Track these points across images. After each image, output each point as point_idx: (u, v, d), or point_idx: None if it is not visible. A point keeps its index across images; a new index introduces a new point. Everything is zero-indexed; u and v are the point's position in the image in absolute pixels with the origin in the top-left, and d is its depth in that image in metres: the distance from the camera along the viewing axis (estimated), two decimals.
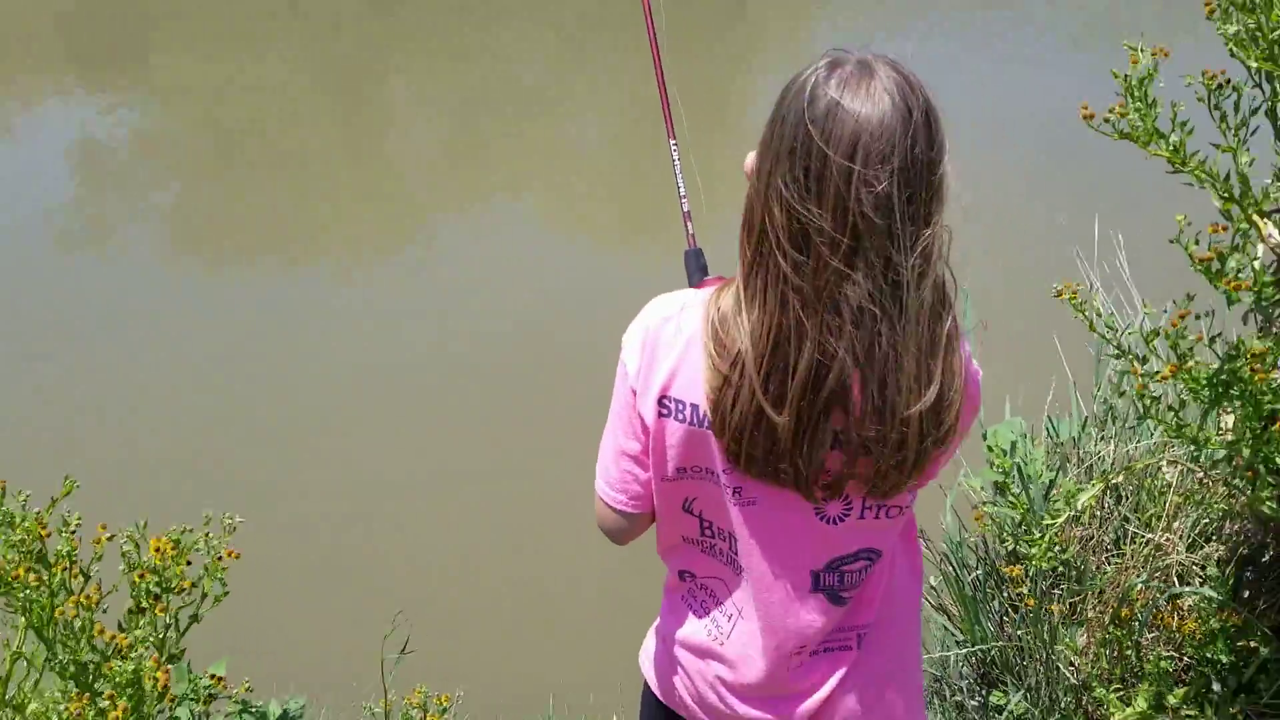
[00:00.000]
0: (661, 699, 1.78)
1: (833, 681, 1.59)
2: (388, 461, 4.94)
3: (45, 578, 1.57)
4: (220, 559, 1.69)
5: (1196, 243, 1.60)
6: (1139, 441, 2.97)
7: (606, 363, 1.59)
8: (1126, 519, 2.89)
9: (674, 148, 2.09)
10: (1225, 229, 1.59)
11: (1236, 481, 2.10)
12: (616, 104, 9.21)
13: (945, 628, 3.10)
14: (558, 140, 8.65)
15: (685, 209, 2.03)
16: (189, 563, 1.69)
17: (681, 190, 2.04)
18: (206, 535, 1.73)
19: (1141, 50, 1.73)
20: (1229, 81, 1.70)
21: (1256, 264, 1.77)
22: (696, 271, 1.95)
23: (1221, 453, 1.98)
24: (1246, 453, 1.81)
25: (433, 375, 5.52)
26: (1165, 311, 1.97)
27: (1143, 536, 2.78)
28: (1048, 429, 3.19)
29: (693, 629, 1.66)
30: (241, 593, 2.03)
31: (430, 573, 4.34)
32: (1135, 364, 1.81)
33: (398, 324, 5.99)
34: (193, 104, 9.28)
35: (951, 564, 2.98)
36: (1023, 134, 7.32)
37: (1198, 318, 1.68)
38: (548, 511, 4.38)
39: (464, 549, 4.46)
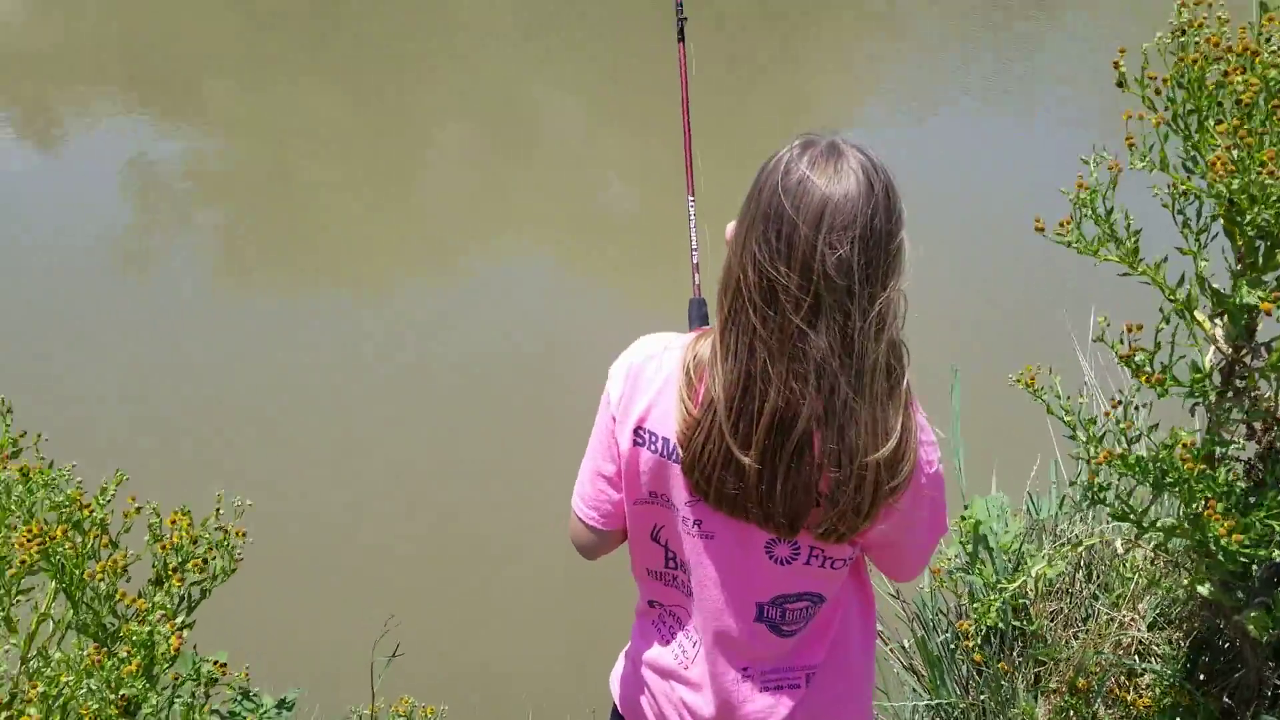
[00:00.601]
0: None
1: (781, 712, 1.71)
2: (396, 468, 5.15)
3: (79, 543, 1.74)
4: (227, 533, 1.86)
5: (1121, 341, 1.75)
6: (1112, 522, 3.10)
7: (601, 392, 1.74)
8: (1096, 596, 3.01)
9: (691, 204, 2.26)
10: (1141, 328, 1.74)
11: (1186, 564, 2.23)
12: (641, 154, 9.51)
13: (914, 689, 3.21)
14: (579, 185, 8.94)
15: (695, 261, 2.20)
16: (195, 541, 1.86)
17: (694, 244, 2.22)
18: (218, 511, 1.90)
19: (1095, 163, 1.89)
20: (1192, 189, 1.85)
21: (1207, 361, 1.91)
22: (697, 319, 2.13)
23: (1174, 537, 2.11)
24: (1185, 540, 1.94)
25: (442, 398, 5.73)
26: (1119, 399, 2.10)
27: (1107, 613, 2.90)
28: (1028, 506, 3.31)
29: (660, 652, 1.78)
30: (241, 587, 2.17)
31: (425, 581, 4.49)
32: (1084, 450, 1.95)
33: (414, 345, 6.26)
34: (242, 132, 9.69)
35: (921, 624, 3.10)
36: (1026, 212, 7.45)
37: (1137, 408, 1.83)
38: (537, 531, 4.53)
39: (458, 560, 4.62)
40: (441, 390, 5.78)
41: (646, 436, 1.62)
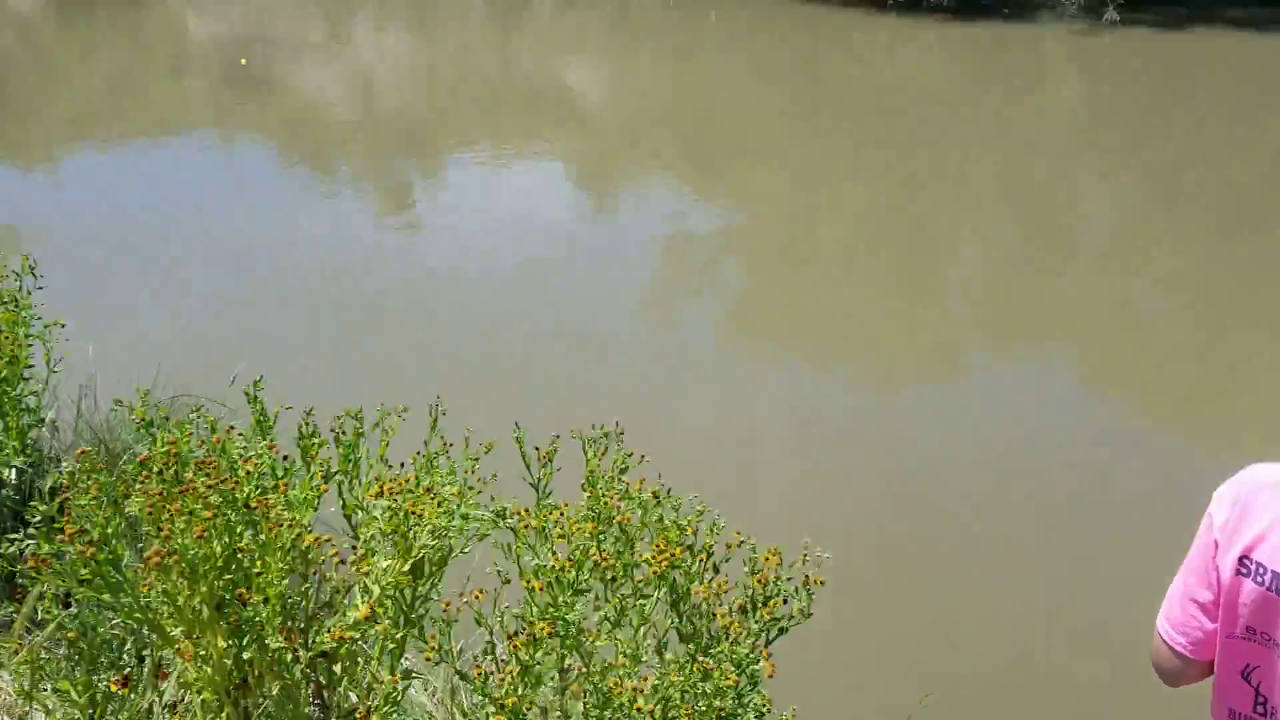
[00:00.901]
0: None
1: None
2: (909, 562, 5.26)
3: (687, 565, 2.01)
4: (808, 579, 2.04)
5: None
6: None
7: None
8: None
9: None
10: None
11: None
12: (1195, 265, 8.96)
13: None
14: (1114, 293, 8.59)
15: None
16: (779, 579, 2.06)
17: None
18: (805, 557, 2.09)
19: None
20: None
21: None
22: None
23: None
24: None
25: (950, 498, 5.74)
26: None
27: None
28: None
29: None
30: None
31: (962, 663, 4.53)
32: None
33: (949, 439, 6.37)
34: (770, 214, 10.66)
35: None
36: None
37: None
38: (1093, 644, 4.46)
39: (997, 650, 4.62)
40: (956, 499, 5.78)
41: (1253, 567, 1.55)
